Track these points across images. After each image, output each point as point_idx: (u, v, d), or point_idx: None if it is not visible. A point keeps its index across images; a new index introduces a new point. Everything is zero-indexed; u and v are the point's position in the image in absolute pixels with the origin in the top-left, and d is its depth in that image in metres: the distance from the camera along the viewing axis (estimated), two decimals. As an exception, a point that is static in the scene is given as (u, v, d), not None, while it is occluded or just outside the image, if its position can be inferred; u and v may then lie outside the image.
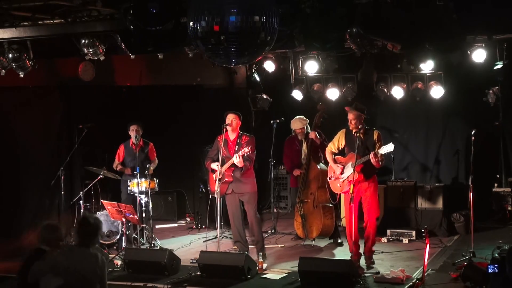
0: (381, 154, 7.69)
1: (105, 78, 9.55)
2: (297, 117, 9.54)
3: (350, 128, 7.97)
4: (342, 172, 8.04)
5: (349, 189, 7.79)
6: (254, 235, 8.59)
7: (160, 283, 7.38)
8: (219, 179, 8.20)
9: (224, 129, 8.37)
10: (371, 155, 7.67)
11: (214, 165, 8.40)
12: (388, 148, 7.69)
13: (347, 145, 8.04)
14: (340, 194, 8.66)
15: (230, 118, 8.44)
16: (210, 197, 8.71)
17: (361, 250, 8.09)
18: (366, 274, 7.46)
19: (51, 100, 9.75)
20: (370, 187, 7.94)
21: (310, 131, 9.38)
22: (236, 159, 8.15)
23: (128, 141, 9.48)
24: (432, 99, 10.16)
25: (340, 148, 8.16)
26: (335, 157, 8.22)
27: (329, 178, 8.35)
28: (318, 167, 9.12)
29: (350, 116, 7.95)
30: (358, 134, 7.86)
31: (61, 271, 5.09)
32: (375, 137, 7.91)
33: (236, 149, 8.34)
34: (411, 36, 6.33)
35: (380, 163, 7.77)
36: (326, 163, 8.73)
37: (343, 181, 8.00)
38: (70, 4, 6.58)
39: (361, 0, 6.27)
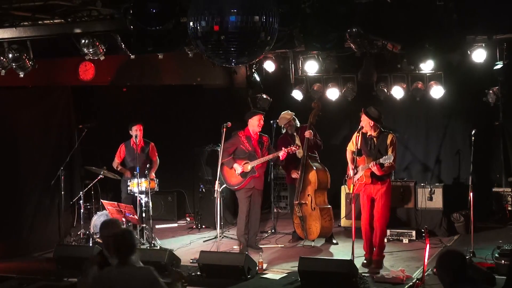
0: (386, 162, 7.69)
1: (106, 78, 9.55)
2: (282, 113, 9.58)
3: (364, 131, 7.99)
4: (356, 173, 8.05)
5: (355, 189, 7.98)
6: (254, 228, 8.94)
7: (160, 283, 7.38)
8: (246, 173, 8.75)
9: (224, 129, 8.47)
10: (371, 164, 7.73)
11: (239, 167, 8.77)
12: (387, 159, 7.69)
13: (362, 147, 8.02)
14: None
15: (259, 118, 8.90)
16: (223, 193, 8.78)
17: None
18: (366, 274, 7.47)
19: (51, 100, 9.74)
20: (381, 190, 7.88)
21: (299, 123, 9.42)
22: (283, 153, 8.77)
23: (129, 141, 9.49)
24: (432, 99, 10.16)
25: (358, 148, 8.08)
26: (355, 157, 8.07)
27: (346, 177, 8.42)
28: (314, 168, 9.07)
29: (362, 119, 7.96)
30: (371, 137, 7.94)
31: None
32: (388, 141, 7.86)
33: (260, 147, 8.88)
34: (411, 36, 6.33)
35: (383, 171, 7.76)
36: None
37: (355, 182, 8.01)
38: (70, 4, 6.57)
39: (361, 0, 6.27)
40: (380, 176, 7.83)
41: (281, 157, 8.92)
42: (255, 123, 8.83)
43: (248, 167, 8.76)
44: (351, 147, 8.13)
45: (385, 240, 8.41)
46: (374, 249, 8.03)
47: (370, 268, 7.90)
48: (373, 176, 7.85)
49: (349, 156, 8.18)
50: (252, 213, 8.89)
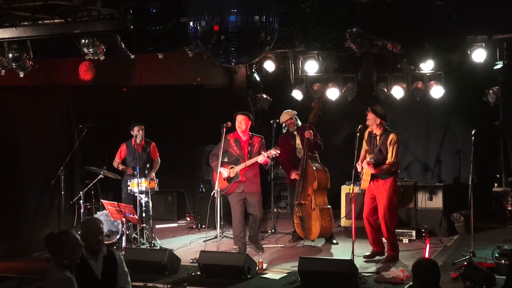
0: (388, 162, 7.81)
1: (105, 78, 9.54)
2: (284, 111, 9.54)
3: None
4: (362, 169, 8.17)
5: (361, 185, 8.18)
6: (255, 230, 8.84)
7: (160, 283, 7.39)
8: (231, 178, 8.51)
9: (224, 129, 8.45)
10: (365, 162, 7.93)
11: (225, 171, 8.57)
12: (371, 158, 7.89)
13: (367, 145, 8.20)
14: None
15: (239, 119, 8.67)
16: (212, 196, 8.71)
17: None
18: (366, 274, 7.47)
19: (51, 100, 9.75)
20: (384, 188, 7.99)
21: (300, 123, 9.37)
22: (263, 158, 8.48)
23: (130, 141, 9.49)
24: (432, 99, 10.17)
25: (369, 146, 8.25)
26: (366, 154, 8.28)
27: (359, 173, 8.48)
28: (314, 168, 9.03)
29: (368, 117, 8.07)
30: (375, 136, 8.08)
31: None
32: (389, 140, 7.96)
33: (249, 149, 8.61)
34: (411, 36, 6.33)
35: (378, 169, 7.88)
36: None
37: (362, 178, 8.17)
38: (70, 4, 6.58)
39: (361, 0, 6.27)
40: (380, 174, 7.89)
41: (260, 162, 8.61)
42: (236, 124, 8.73)
43: (234, 171, 8.60)
44: (364, 145, 8.27)
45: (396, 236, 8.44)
46: (385, 242, 8.17)
47: (382, 260, 8.06)
48: (373, 174, 7.94)
49: (362, 153, 8.30)
50: (249, 215, 8.79)
